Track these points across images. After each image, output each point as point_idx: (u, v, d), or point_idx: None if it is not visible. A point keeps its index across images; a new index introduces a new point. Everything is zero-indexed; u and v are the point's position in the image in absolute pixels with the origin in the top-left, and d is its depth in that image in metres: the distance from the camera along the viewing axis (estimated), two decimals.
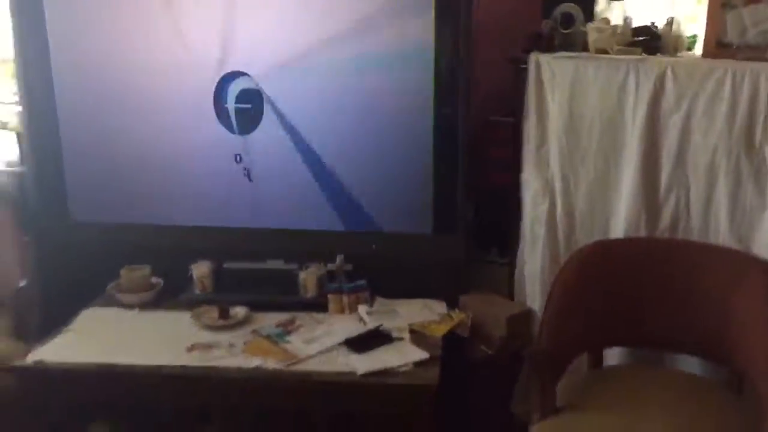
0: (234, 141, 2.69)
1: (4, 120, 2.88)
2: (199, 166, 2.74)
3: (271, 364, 2.27)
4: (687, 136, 2.24)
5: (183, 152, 2.73)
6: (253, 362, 2.28)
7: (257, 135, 2.68)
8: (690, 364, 2.32)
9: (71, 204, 2.81)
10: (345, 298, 2.64)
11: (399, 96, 2.59)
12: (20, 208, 2.78)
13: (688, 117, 2.23)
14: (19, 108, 2.80)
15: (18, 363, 2.26)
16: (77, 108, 2.72)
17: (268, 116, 2.66)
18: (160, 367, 2.25)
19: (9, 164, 2.92)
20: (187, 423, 2.36)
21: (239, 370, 2.24)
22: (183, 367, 2.26)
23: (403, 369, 2.24)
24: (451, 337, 2.47)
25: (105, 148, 2.75)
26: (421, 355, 2.31)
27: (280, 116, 2.65)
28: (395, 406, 2.23)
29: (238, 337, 2.44)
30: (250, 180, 2.73)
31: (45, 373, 2.25)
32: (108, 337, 2.45)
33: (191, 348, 2.36)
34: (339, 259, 2.70)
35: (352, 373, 2.21)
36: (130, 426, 2.36)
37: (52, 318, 2.57)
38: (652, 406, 2.05)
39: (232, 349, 2.36)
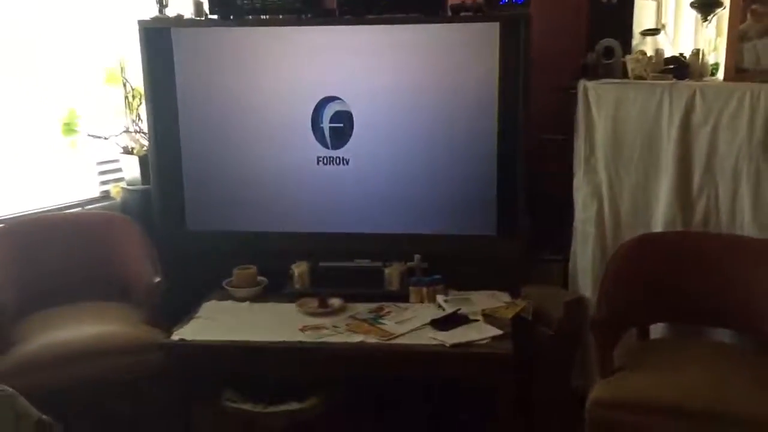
0: (327, 155, 3.20)
1: (131, 146, 3.38)
2: (296, 179, 3.24)
3: (372, 339, 2.74)
4: (714, 146, 2.70)
5: (284, 168, 3.24)
6: (357, 338, 2.75)
7: (347, 150, 3.18)
8: (722, 336, 2.75)
9: (188, 216, 3.32)
10: (424, 290, 3.10)
11: (468, 120, 3.10)
12: (145, 220, 3.29)
13: (714, 129, 2.69)
14: (145, 135, 3.34)
15: (166, 341, 2.75)
16: (196, 134, 3.24)
17: (357, 134, 3.17)
18: (281, 343, 2.72)
19: (131, 183, 3.43)
20: (300, 391, 2.81)
21: (346, 344, 2.71)
22: (300, 342, 2.72)
23: (483, 342, 2.69)
24: (516, 321, 2.92)
25: (218, 167, 3.27)
26: (496, 331, 2.76)
27: (367, 134, 3.16)
28: (479, 373, 2.68)
29: (338, 321, 2.91)
30: (340, 190, 3.23)
31: (187, 348, 2.73)
32: (230, 321, 2.92)
33: (303, 328, 2.83)
34: (417, 258, 3.17)
35: (441, 345, 2.66)
36: (256, 393, 2.80)
37: (177, 310, 3.05)
38: (693, 365, 2.48)
39: (337, 330, 2.83)
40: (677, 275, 2.72)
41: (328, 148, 3.20)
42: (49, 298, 3.01)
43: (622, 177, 2.94)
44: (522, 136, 3.06)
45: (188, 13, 3.18)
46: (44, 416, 1.59)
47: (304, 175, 3.23)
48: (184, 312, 3.01)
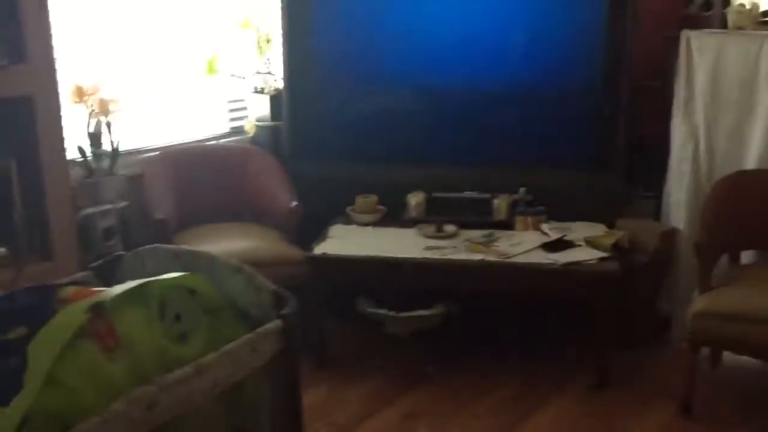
0: (444, 94, 3.53)
1: (262, 86, 3.76)
2: (412, 117, 3.59)
3: (491, 257, 3.11)
4: None
5: (402, 105, 3.59)
6: (477, 257, 3.12)
7: (458, 88, 3.51)
8: None
9: (315, 149, 3.69)
10: (529, 219, 3.44)
11: (577, 63, 3.41)
12: (275, 153, 3.67)
13: None
14: (274, 76, 3.72)
15: (311, 254, 3.15)
16: (326, 74, 3.60)
17: (473, 73, 3.50)
18: (412, 258, 3.10)
19: (260, 119, 3.81)
20: (426, 302, 3.20)
21: (469, 261, 3.08)
22: (426, 258, 3.11)
23: (591, 262, 3.04)
24: (615, 248, 3.26)
25: (344, 106, 3.63)
26: (601, 254, 3.11)
27: (483, 74, 3.48)
28: (587, 289, 3.03)
29: (456, 243, 3.28)
30: (453, 125, 3.57)
31: (330, 260, 3.13)
32: (360, 241, 3.30)
33: (428, 248, 3.21)
34: (522, 190, 3.51)
35: (554, 264, 3.02)
36: (387, 302, 3.20)
37: (306, 232, 3.43)
38: None
39: (457, 249, 3.20)
40: (766, 208, 3.03)
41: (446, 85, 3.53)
42: (200, 217, 3.43)
43: (718, 120, 3.23)
44: (625, 80, 3.35)
45: None
46: (278, 288, 1.97)
47: (425, 110, 3.57)
48: (313, 235, 3.40)
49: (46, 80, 2.66)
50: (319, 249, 3.20)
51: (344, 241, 3.32)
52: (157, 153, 3.48)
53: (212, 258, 2.09)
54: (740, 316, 2.68)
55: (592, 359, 3.12)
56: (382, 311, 3.15)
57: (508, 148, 3.56)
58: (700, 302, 2.78)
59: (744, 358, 3.18)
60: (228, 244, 3.17)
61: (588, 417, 2.88)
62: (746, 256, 3.17)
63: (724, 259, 3.09)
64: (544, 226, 3.39)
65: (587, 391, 3.05)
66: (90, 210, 3.00)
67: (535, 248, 3.18)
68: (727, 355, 3.19)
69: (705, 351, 3.11)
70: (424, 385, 3.11)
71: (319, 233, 3.39)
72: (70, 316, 1.60)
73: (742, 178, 3.10)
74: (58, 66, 2.69)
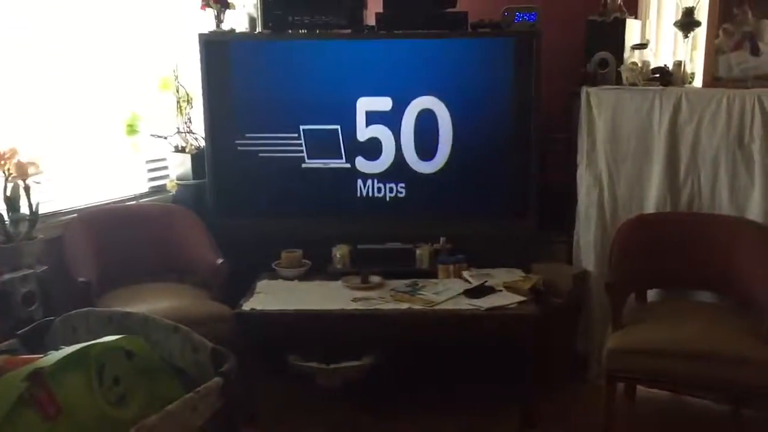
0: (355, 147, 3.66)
1: (183, 144, 3.78)
2: (334, 177, 3.70)
3: (417, 306, 3.21)
4: (697, 140, 3.27)
5: (322, 170, 3.69)
6: (404, 306, 3.21)
7: (379, 163, 3.67)
8: (705, 297, 3.32)
9: (238, 207, 3.73)
10: (451, 267, 3.57)
11: (488, 121, 3.61)
12: (197, 211, 3.69)
13: (698, 127, 3.25)
14: (194, 135, 3.76)
15: (240, 311, 3.16)
16: (246, 133, 3.66)
17: (389, 138, 3.65)
18: (340, 310, 3.16)
19: (181, 178, 3.82)
20: (355, 352, 3.25)
21: (396, 310, 3.17)
22: (355, 309, 3.17)
23: (512, 306, 3.19)
24: (532, 292, 3.42)
25: (265, 165, 3.68)
26: (520, 297, 3.26)
27: (397, 137, 3.64)
28: (510, 332, 3.17)
29: (382, 293, 3.36)
30: (371, 184, 3.69)
31: (258, 316, 3.15)
32: (288, 296, 3.34)
33: (355, 299, 3.28)
34: (442, 240, 3.65)
35: (478, 310, 3.15)
36: (317, 354, 3.23)
37: (232, 290, 3.44)
38: (686, 319, 3.03)
39: (384, 300, 3.28)
40: (668, 248, 3.26)
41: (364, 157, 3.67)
42: (123, 279, 3.39)
43: (619, 167, 3.48)
44: (534, 133, 3.57)
45: (241, 27, 3.60)
46: (217, 346, 1.99)
47: (340, 173, 3.69)
48: (240, 291, 3.41)
49: None
50: (248, 305, 3.21)
51: (271, 296, 3.35)
52: (77, 215, 3.43)
53: (146, 318, 2.10)
54: (649, 351, 2.86)
55: (517, 401, 3.23)
56: (312, 364, 3.18)
57: (428, 200, 3.70)
58: (613, 340, 2.96)
59: (656, 391, 3.40)
60: (155, 304, 3.14)
61: None
62: (652, 295, 3.39)
63: (632, 298, 3.30)
64: (466, 274, 3.53)
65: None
66: (8, 276, 2.92)
67: (458, 295, 3.31)
68: (641, 389, 3.38)
69: (621, 386, 3.29)
70: None
71: (245, 290, 3.41)
72: (7, 386, 1.58)
73: (643, 221, 3.34)
74: None
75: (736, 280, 3.13)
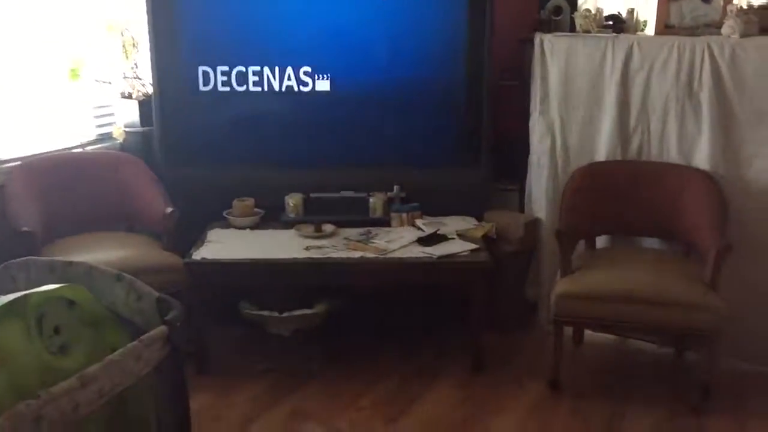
0: (314, 97, 3.60)
1: (129, 90, 3.67)
2: (289, 118, 3.62)
3: (370, 254, 3.21)
4: (648, 88, 3.29)
5: (272, 107, 3.62)
6: (357, 254, 3.21)
7: (327, 90, 3.59)
8: (652, 243, 3.39)
9: (188, 154, 3.64)
10: (404, 216, 3.57)
11: (441, 68, 3.57)
12: (146, 159, 3.60)
13: (648, 75, 3.27)
14: (141, 81, 3.65)
15: (189, 260, 3.12)
16: (195, 76, 3.55)
17: (342, 77, 3.58)
18: (293, 259, 3.15)
19: (128, 125, 3.72)
20: (307, 301, 3.25)
21: (349, 258, 3.17)
22: (308, 258, 3.16)
23: (464, 254, 3.21)
24: (484, 239, 3.45)
25: (216, 109, 3.60)
26: (473, 245, 3.28)
27: (351, 77, 3.57)
28: (462, 279, 3.20)
29: (335, 242, 3.35)
30: (328, 129, 3.63)
31: (209, 265, 3.12)
32: (239, 244, 3.31)
33: (308, 248, 3.26)
34: (396, 188, 3.64)
35: (430, 257, 3.16)
36: (269, 303, 3.22)
37: (183, 239, 3.40)
38: (634, 265, 3.10)
39: (337, 248, 3.27)
40: (617, 196, 3.31)
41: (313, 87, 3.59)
42: (69, 228, 3.31)
43: (571, 115, 3.49)
44: (487, 81, 3.55)
45: None
46: (162, 294, 1.97)
47: (297, 114, 3.62)
48: (190, 241, 3.36)
49: None
50: (198, 254, 3.18)
51: (223, 245, 3.31)
52: (19, 163, 3.32)
53: (89, 268, 2.05)
54: (597, 296, 2.93)
55: (468, 346, 3.28)
56: (264, 312, 3.18)
57: (381, 148, 3.67)
58: (561, 285, 3.01)
59: (603, 335, 3.49)
60: (102, 254, 3.07)
61: (467, 398, 3.05)
62: (601, 241, 3.45)
63: (581, 245, 3.35)
64: (419, 222, 3.54)
65: (465, 375, 3.22)
66: None
67: (411, 243, 3.32)
68: (589, 334, 3.47)
69: (569, 331, 3.37)
70: (309, 383, 3.16)
71: (196, 239, 3.36)
72: None
73: (594, 169, 3.37)
74: None
75: (681, 226, 3.20)
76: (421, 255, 3.20)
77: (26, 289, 1.85)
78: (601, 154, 3.45)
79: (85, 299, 1.90)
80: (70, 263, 2.09)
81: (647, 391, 3.08)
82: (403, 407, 2.98)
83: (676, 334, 3.21)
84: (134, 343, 1.82)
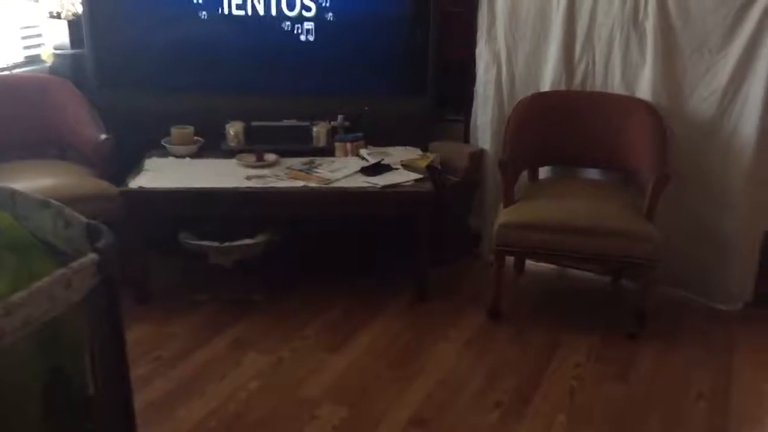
0: (258, 22, 3.45)
1: (58, 10, 3.47)
2: (229, 43, 3.48)
3: (313, 183, 3.16)
4: (594, 18, 3.25)
5: (213, 32, 3.46)
6: (299, 184, 3.15)
7: (271, 16, 3.45)
8: (594, 174, 3.42)
9: (122, 78, 3.49)
10: (348, 145, 3.52)
11: None
12: (77, 83, 3.43)
13: (594, 3, 3.22)
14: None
15: (126, 189, 3.02)
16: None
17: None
18: (233, 188, 3.07)
19: (59, 47, 3.53)
20: (249, 231, 3.20)
21: (291, 188, 3.11)
22: (249, 187, 3.09)
23: (408, 184, 3.19)
24: (428, 169, 3.42)
25: (153, 31, 3.43)
26: (417, 175, 3.26)
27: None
28: (405, 209, 3.18)
29: (277, 171, 3.28)
30: (270, 55, 3.51)
31: (146, 194, 3.03)
32: (178, 173, 3.21)
33: (249, 177, 3.19)
34: (340, 117, 3.57)
35: (374, 187, 3.13)
36: (210, 233, 3.16)
37: (118, 167, 3.28)
38: (574, 195, 3.13)
39: (279, 178, 3.21)
40: (560, 126, 3.31)
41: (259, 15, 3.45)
42: None
43: (517, 45, 3.44)
44: (433, 7, 3.46)
45: None
46: (92, 221, 1.88)
47: (240, 39, 3.47)
48: (127, 169, 3.25)
49: None
50: (135, 183, 3.08)
51: (161, 174, 3.21)
52: None
53: (13, 193, 1.95)
54: (536, 226, 2.95)
55: (412, 276, 3.29)
56: (205, 242, 3.12)
57: (325, 76, 3.58)
58: (502, 215, 3.02)
59: (544, 264, 3.54)
60: (31, 182, 2.93)
61: (409, 327, 3.07)
62: (544, 172, 3.46)
63: (524, 176, 3.36)
64: (363, 152, 3.49)
65: (408, 306, 3.24)
66: None
67: (355, 173, 3.27)
68: (530, 264, 3.51)
69: (511, 262, 3.41)
70: (251, 313, 3.14)
71: (133, 168, 3.25)
72: None
73: (538, 99, 3.35)
74: None
75: (623, 157, 3.22)
76: (365, 185, 3.16)
77: None
78: (547, 84, 3.42)
79: (9, 225, 1.81)
80: None
81: (584, 318, 3.15)
82: (346, 336, 2.99)
83: (613, 263, 3.27)
84: (62, 270, 1.74)
